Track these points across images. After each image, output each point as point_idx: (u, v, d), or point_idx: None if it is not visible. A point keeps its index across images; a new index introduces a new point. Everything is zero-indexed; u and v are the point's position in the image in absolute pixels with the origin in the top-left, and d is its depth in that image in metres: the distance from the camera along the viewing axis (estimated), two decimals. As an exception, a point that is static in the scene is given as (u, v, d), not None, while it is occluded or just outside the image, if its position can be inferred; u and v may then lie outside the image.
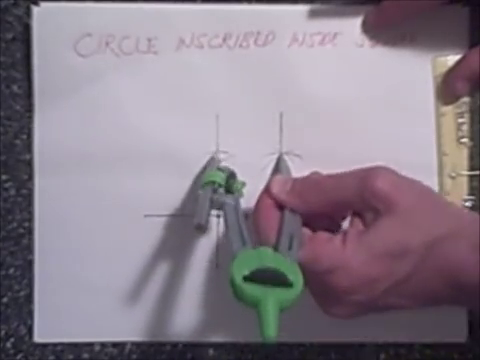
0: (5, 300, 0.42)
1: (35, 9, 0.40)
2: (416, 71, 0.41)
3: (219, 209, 0.36)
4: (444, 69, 0.41)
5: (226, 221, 0.34)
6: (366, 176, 0.33)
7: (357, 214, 0.34)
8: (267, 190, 0.35)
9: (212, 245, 0.41)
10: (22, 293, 0.42)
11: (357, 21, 0.41)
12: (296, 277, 0.30)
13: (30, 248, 0.42)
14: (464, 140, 0.41)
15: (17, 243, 0.42)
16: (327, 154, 0.41)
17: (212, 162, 0.40)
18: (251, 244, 0.32)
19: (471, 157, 0.41)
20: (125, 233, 0.41)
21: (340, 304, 0.33)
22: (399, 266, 0.31)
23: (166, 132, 0.41)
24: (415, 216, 0.32)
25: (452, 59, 0.40)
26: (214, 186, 0.36)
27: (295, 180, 0.36)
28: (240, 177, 0.39)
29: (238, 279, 0.29)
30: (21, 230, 0.42)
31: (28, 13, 0.41)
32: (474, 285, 0.30)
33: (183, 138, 0.41)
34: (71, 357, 0.42)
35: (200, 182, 0.38)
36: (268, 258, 0.31)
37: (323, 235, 0.33)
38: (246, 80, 0.41)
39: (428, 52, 0.41)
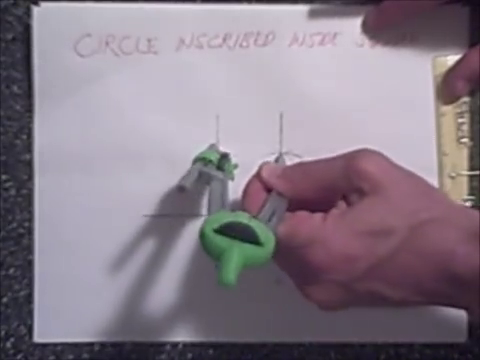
0: (5, 300, 0.42)
1: (35, 9, 0.40)
2: (416, 71, 0.41)
3: (208, 184, 0.36)
4: (444, 69, 0.41)
5: (210, 193, 0.35)
6: (352, 157, 0.33)
7: (343, 197, 0.33)
8: (257, 174, 0.36)
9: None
10: (22, 293, 0.42)
11: (357, 21, 0.41)
12: (268, 239, 0.30)
13: (30, 248, 0.42)
14: (464, 140, 0.41)
15: (17, 243, 0.42)
16: (327, 154, 0.41)
17: (211, 147, 0.41)
18: None
19: (471, 157, 0.41)
20: (125, 233, 0.42)
21: (318, 284, 0.32)
22: (380, 246, 0.31)
23: (166, 132, 0.41)
24: (401, 198, 0.31)
25: (452, 59, 0.40)
26: (206, 163, 0.37)
27: (286, 166, 0.36)
28: (241, 177, 0.39)
29: (208, 230, 0.30)
30: (21, 230, 0.42)
31: (28, 13, 0.41)
32: (464, 276, 0.29)
33: (183, 138, 0.41)
34: (71, 357, 0.42)
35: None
36: (244, 217, 0.31)
37: (304, 213, 0.33)
38: (246, 80, 0.41)
39: (428, 52, 0.41)
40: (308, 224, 0.32)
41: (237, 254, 0.29)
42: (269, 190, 0.35)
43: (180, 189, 0.33)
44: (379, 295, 0.32)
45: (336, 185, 0.33)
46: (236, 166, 0.39)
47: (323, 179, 0.34)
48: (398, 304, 0.33)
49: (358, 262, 0.31)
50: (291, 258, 0.33)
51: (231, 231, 0.30)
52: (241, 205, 0.36)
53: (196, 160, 0.38)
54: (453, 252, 0.30)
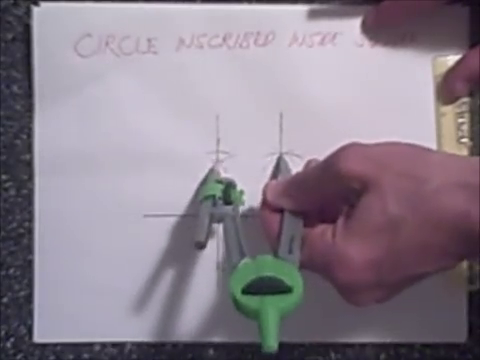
0: (5, 300, 0.42)
1: (35, 9, 0.40)
2: (416, 71, 0.41)
3: (220, 222, 0.36)
4: (444, 69, 0.41)
5: (225, 233, 0.34)
6: (332, 160, 0.32)
7: (345, 199, 0.33)
8: (263, 198, 0.35)
9: (213, 245, 0.41)
10: (22, 293, 0.42)
11: (357, 21, 0.41)
12: (295, 281, 0.30)
13: (30, 248, 0.42)
14: (464, 140, 0.41)
15: (17, 243, 0.42)
16: (327, 154, 0.41)
17: (211, 174, 0.40)
18: (250, 254, 0.32)
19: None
20: (125, 233, 0.41)
21: (356, 294, 0.32)
22: (395, 238, 0.30)
23: (166, 132, 0.41)
24: (393, 182, 0.30)
25: (452, 59, 0.40)
26: (213, 199, 0.37)
27: (285, 181, 0.36)
28: (240, 177, 0.39)
29: (237, 292, 0.30)
30: (21, 230, 0.42)
31: (28, 13, 0.41)
32: None
33: (183, 138, 0.41)
34: (71, 357, 0.42)
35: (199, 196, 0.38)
36: (266, 266, 0.31)
37: (318, 230, 0.33)
38: (246, 80, 0.41)
39: (428, 52, 0.41)
40: (321, 245, 0.32)
41: (271, 314, 0.29)
42: (281, 210, 0.35)
43: (199, 246, 0.33)
44: (416, 276, 0.31)
45: (331, 192, 0.33)
46: (242, 192, 0.38)
47: (316, 190, 0.33)
48: (437, 272, 0.32)
49: (380, 262, 0.31)
50: (323, 277, 0.33)
51: (260, 286, 0.30)
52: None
53: (202, 200, 0.37)
54: (467, 213, 0.29)
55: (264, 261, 0.31)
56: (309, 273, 0.32)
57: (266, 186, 0.36)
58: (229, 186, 0.38)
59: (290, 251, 0.32)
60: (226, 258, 0.32)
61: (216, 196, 0.37)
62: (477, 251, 0.30)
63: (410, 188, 0.30)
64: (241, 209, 0.39)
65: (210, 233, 0.35)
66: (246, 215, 0.40)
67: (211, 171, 0.41)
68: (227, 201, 0.37)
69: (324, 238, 0.32)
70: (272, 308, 0.29)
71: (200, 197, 0.38)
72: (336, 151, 0.32)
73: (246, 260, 0.31)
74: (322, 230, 0.33)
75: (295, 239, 0.33)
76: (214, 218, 0.36)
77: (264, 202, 0.35)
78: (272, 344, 0.28)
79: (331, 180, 0.32)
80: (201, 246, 0.34)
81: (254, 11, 0.41)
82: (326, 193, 0.33)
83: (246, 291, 0.30)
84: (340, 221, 0.32)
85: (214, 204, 0.36)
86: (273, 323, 0.28)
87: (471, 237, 0.29)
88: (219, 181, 0.38)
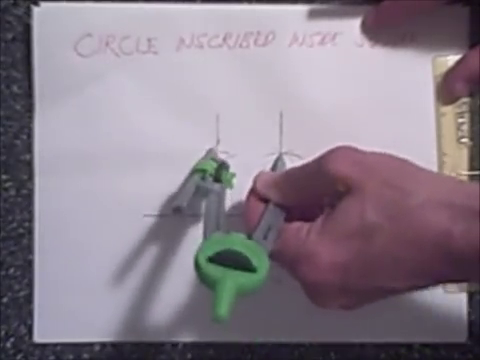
0: (5, 300, 0.42)
1: (35, 9, 0.40)
2: (416, 71, 0.41)
3: (205, 196, 0.36)
4: (444, 69, 0.41)
5: (206, 207, 0.35)
6: (322, 160, 0.32)
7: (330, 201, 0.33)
8: (252, 185, 0.36)
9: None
10: (22, 293, 0.42)
11: (357, 21, 0.41)
12: (261, 263, 0.30)
13: (30, 248, 0.42)
14: (464, 140, 0.41)
15: (17, 243, 0.42)
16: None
17: (209, 153, 0.40)
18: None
19: (471, 157, 0.41)
20: (125, 233, 0.41)
21: (322, 295, 0.32)
22: (367, 245, 0.30)
23: (166, 132, 0.41)
24: (376, 190, 0.30)
25: (452, 59, 0.40)
26: (203, 174, 0.37)
27: (277, 175, 0.36)
28: (240, 177, 0.39)
29: (201, 259, 0.30)
30: (21, 230, 0.42)
31: (28, 13, 0.41)
32: (464, 253, 0.28)
33: (183, 138, 0.41)
34: (71, 357, 0.42)
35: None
36: (238, 242, 0.31)
37: (295, 225, 0.33)
38: (246, 80, 0.41)
39: (428, 52, 0.41)
40: (294, 240, 0.32)
41: (229, 285, 0.29)
42: (267, 200, 0.35)
43: (176, 210, 0.33)
44: (385, 289, 0.31)
45: (317, 191, 0.33)
46: (234, 175, 0.39)
47: (304, 187, 0.33)
48: (409, 291, 0.31)
49: (348, 267, 0.30)
50: (290, 273, 0.33)
51: (225, 258, 0.30)
52: (242, 215, 0.36)
53: (193, 171, 0.37)
54: (449, 232, 0.28)
55: (237, 237, 0.31)
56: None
57: (257, 175, 0.36)
58: (222, 166, 0.38)
59: (265, 237, 0.32)
60: (202, 230, 0.33)
61: (207, 172, 0.37)
62: (453, 275, 0.29)
63: (393, 198, 0.30)
64: (235, 207, 0.39)
65: (192, 204, 0.35)
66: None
67: (210, 150, 0.41)
68: (217, 179, 0.37)
69: (299, 234, 0.32)
70: (231, 280, 0.29)
71: (192, 169, 0.38)
72: (327, 152, 0.32)
73: (219, 233, 0.32)
74: (298, 226, 0.33)
75: (272, 229, 0.33)
76: (200, 191, 0.36)
77: (252, 190, 0.36)
78: (222, 314, 0.28)
79: (318, 179, 0.32)
80: (179, 210, 0.33)
81: (254, 11, 0.41)
82: (313, 192, 0.33)
83: (211, 260, 0.30)
84: (318, 220, 0.32)
85: (203, 179, 0.37)
86: (228, 294, 0.28)
87: (449, 257, 0.28)
88: (214, 160, 0.39)
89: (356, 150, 0.32)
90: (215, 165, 0.38)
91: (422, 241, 0.29)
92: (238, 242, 0.31)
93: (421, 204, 0.29)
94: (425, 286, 0.31)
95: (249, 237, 0.32)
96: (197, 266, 0.30)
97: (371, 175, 0.31)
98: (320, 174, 0.32)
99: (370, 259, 0.30)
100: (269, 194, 0.35)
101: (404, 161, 0.32)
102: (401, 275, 0.30)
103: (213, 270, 0.29)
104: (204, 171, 0.37)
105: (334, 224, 0.31)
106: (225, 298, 0.28)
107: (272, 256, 0.32)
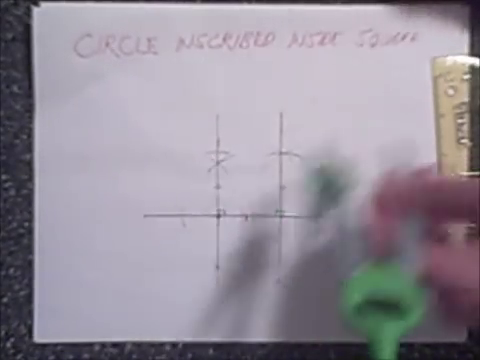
0: (5, 300, 0.42)
1: (35, 9, 0.40)
2: (416, 71, 0.41)
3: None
4: (444, 69, 0.41)
5: (342, 237, 0.31)
6: None
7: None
8: (382, 195, 0.31)
9: (212, 245, 0.41)
10: (22, 293, 0.42)
11: (357, 21, 0.41)
12: (415, 300, 0.28)
13: (30, 248, 0.42)
14: (464, 141, 0.41)
15: (17, 243, 0.42)
16: (327, 154, 0.41)
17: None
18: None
19: (471, 158, 0.41)
20: (125, 233, 0.41)
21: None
22: None
23: (166, 132, 0.41)
24: None
25: (452, 59, 0.40)
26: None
27: (416, 188, 0.31)
28: (240, 177, 0.39)
29: (349, 310, 0.28)
30: (21, 230, 0.42)
31: (28, 13, 0.41)
32: None
33: (183, 138, 0.41)
34: (71, 357, 0.42)
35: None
36: (383, 280, 0.28)
37: (443, 251, 0.29)
38: (246, 80, 0.41)
39: (428, 52, 0.41)
40: (457, 257, 0.29)
41: (387, 340, 0.27)
42: (395, 210, 0.30)
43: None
44: None
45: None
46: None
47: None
48: None
49: None
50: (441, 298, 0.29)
51: (376, 304, 0.28)
52: (367, 231, 0.31)
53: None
54: None
55: (380, 274, 0.29)
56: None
57: (388, 188, 0.31)
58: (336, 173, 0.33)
59: (408, 260, 0.29)
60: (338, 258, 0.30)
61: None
62: None
63: None
64: (242, 208, 0.39)
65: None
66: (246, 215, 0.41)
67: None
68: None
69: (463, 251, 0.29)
70: (388, 333, 0.27)
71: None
72: None
73: (360, 271, 0.29)
74: (448, 250, 0.30)
75: (414, 248, 0.29)
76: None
77: (379, 204, 0.30)
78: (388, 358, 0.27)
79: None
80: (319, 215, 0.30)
81: (254, 11, 0.41)
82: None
83: (360, 306, 0.28)
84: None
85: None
86: (389, 344, 0.27)
87: None
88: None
89: None
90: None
91: None
92: (384, 279, 0.28)
93: None
94: None
95: (393, 265, 0.29)
96: (347, 319, 0.28)
97: None
98: None
99: None
100: (409, 213, 0.30)
101: None
102: None
103: (364, 322, 0.28)
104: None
105: None
106: (387, 348, 0.27)
107: (426, 279, 0.29)
